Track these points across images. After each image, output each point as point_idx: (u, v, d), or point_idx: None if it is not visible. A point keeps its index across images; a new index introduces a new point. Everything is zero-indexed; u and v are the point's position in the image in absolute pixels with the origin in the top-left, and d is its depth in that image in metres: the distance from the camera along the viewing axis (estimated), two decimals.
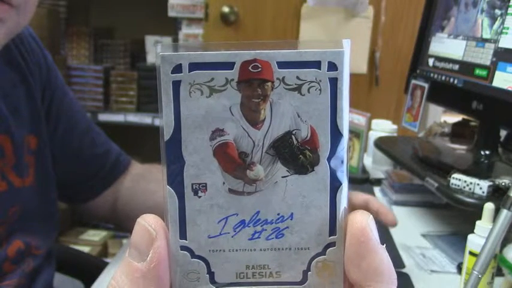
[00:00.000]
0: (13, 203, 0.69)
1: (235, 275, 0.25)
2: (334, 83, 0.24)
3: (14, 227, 0.70)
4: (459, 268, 0.73)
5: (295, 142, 0.24)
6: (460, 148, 0.93)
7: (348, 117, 0.24)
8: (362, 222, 0.24)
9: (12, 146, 0.69)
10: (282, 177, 0.24)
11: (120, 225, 0.94)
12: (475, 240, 0.61)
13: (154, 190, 0.84)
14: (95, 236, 2.08)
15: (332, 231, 0.25)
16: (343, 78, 0.24)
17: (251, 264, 0.25)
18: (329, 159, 0.24)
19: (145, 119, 2.08)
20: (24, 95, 0.73)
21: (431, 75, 0.96)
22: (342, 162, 0.24)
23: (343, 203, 0.24)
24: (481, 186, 0.72)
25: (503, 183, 0.72)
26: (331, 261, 0.25)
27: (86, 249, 1.89)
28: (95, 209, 0.87)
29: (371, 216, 0.24)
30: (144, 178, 0.86)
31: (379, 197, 1.03)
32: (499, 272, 0.62)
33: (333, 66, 0.23)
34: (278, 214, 0.25)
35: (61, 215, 0.84)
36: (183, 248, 0.25)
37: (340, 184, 0.24)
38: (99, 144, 0.84)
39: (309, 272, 0.25)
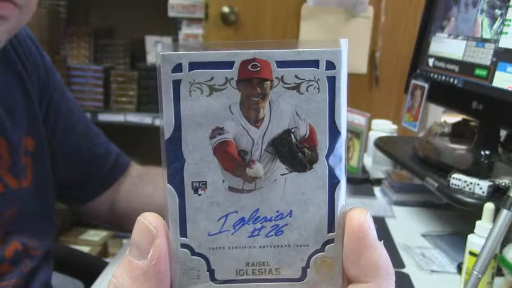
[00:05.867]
0: (10, 204, 0.69)
1: (235, 272, 0.25)
2: (332, 81, 0.24)
3: (11, 228, 0.70)
4: (459, 268, 0.73)
5: (294, 140, 0.24)
6: (460, 148, 0.93)
7: (346, 115, 0.24)
8: (360, 219, 0.24)
9: (8, 148, 0.69)
10: (281, 175, 0.24)
11: (118, 226, 0.94)
12: (475, 240, 0.61)
13: (151, 193, 0.84)
14: (95, 236, 2.08)
15: (331, 228, 0.25)
16: (341, 77, 0.24)
17: (251, 261, 0.25)
18: (327, 157, 0.24)
19: (145, 119, 2.08)
20: (21, 96, 0.73)
21: (431, 75, 0.96)
22: (340, 159, 0.24)
23: (341, 200, 0.25)
24: (481, 186, 0.72)
25: (503, 183, 0.72)
26: (330, 257, 0.25)
27: (86, 249, 1.89)
28: (94, 210, 0.87)
29: (369, 212, 0.24)
30: (142, 181, 0.86)
31: (379, 197, 1.03)
32: (499, 272, 0.62)
33: (330, 65, 0.24)
34: (277, 211, 0.25)
35: (60, 215, 0.84)
36: (184, 245, 0.25)
37: (339, 181, 0.25)
38: (98, 145, 0.84)
39: (308, 269, 0.25)
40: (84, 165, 0.83)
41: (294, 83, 0.24)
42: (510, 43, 0.75)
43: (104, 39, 2.21)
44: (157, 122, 2.06)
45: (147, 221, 0.24)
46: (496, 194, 0.72)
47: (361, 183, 1.10)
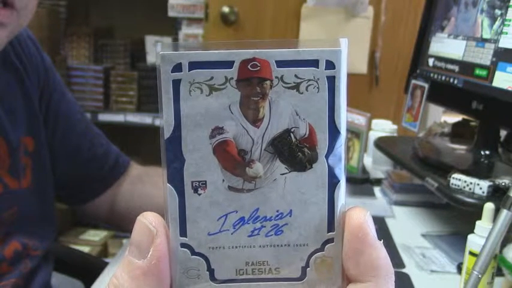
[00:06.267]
0: (9, 205, 0.69)
1: (235, 272, 0.25)
2: (331, 81, 0.24)
3: (11, 228, 0.70)
4: (459, 268, 0.73)
5: (293, 140, 0.24)
6: (460, 148, 0.93)
7: (345, 115, 0.24)
8: (360, 218, 0.24)
9: (7, 148, 0.69)
10: (281, 174, 0.24)
11: (119, 227, 0.94)
12: (475, 240, 0.61)
13: (151, 193, 0.84)
14: (95, 236, 2.08)
15: (330, 227, 0.25)
16: (341, 77, 0.24)
17: (250, 260, 0.25)
18: (327, 156, 0.24)
19: (145, 119, 2.08)
20: (21, 96, 0.73)
21: (431, 75, 0.96)
22: (340, 159, 0.24)
23: (341, 199, 0.25)
24: (481, 186, 0.72)
25: (503, 183, 0.72)
26: (330, 257, 0.25)
27: (86, 249, 1.89)
28: (94, 210, 0.87)
29: (368, 212, 0.24)
30: (142, 181, 0.86)
31: (379, 197, 1.03)
32: (499, 272, 0.62)
33: (330, 65, 0.24)
34: (277, 211, 0.25)
35: (60, 215, 0.84)
36: (183, 245, 0.25)
37: (338, 181, 0.25)
38: (98, 146, 0.84)
39: (308, 268, 0.25)
40: (84, 166, 0.83)
41: (294, 83, 0.24)
42: (510, 43, 0.75)
43: (104, 39, 2.21)
44: (157, 122, 2.06)
45: (147, 220, 0.24)
46: (496, 194, 0.72)
47: (361, 183, 1.10)
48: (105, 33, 2.27)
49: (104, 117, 2.09)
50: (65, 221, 2.07)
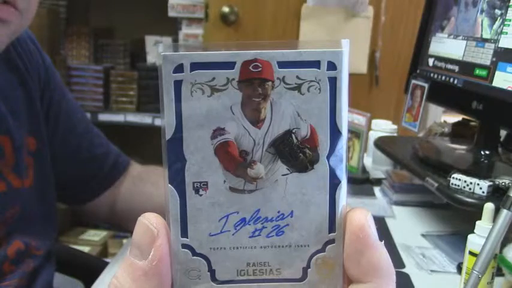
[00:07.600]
0: (12, 203, 0.70)
1: (236, 272, 0.25)
2: (333, 82, 0.24)
3: (13, 227, 0.70)
4: (459, 268, 0.73)
5: (295, 141, 0.24)
6: (460, 148, 0.93)
7: (346, 116, 0.24)
8: (361, 219, 0.24)
9: (12, 147, 0.69)
10: (282, 175, 0.25)
11: (119, 226, 0.94)
12: (475, 240, 0.61)
13: (152, 193, 0.84)
14: (95, 236, 2.08)
15: (331, 228, 0.25)
16: (342, 78, 0.24)
17: (252, 261, 0.25)
18: (328, 157, 0.24)
19: (145, 119, 2.08)
20: (23, 96, 0.74)
21: (431, 75, 0.96)
22: (341, 160, 0.25)
23: (342, 200, 0.25)
24: (481, 186, 0.72)
25: (503, 183, 0.72)
26: (331, 258, 0.25)
27: (86, 249, 1.89)
28: (94, 210, 0.87)
29: (370, 213, 0.24)
30: (142, 180, 0.87)
31: (379, 197, 1.03)
32: (499, 272, 0.62)
33: (332, 66, 0.24)
34: (278, 212, 0.25)
35: (60, 215, 0.84)
36: (184, 246, 0.25)
37: (340, 182, 0.25)
38: (98, 146, 0.85)
39: (309, 269, 0.25)
40: (84, 165, 0.83)
41: (295, 84, 0.24)
42: (510, 43, 0.75)
43: (104, 39, 2.21)
44: (157, 122, 2.06)
45: (148, 221, 0.24)
46: (496, 194, 0.72)
47: (361, 183, 1.10)
48: (105, 33, 2.27)
49: (104, 117, 2.09)
50: (65, 221, 2.07)
